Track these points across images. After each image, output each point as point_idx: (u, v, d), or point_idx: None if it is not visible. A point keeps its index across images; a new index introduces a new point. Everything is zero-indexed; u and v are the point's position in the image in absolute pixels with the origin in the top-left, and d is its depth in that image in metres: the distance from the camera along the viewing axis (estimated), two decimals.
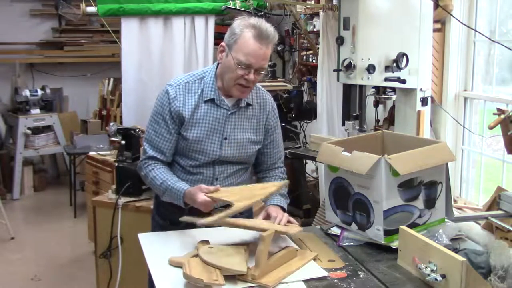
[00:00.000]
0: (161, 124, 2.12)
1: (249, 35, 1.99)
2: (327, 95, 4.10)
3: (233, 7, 4.32)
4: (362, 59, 2.72)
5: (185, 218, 1.93)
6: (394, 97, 2.98)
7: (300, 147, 4.30)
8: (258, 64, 2.01)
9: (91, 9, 4.54)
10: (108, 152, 4.48)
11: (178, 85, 2.13)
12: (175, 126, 2.12)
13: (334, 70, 2.92)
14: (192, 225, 2.15)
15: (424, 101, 2.95)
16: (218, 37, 4.11)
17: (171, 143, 2.13)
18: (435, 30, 3.17)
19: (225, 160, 2.15)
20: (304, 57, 5.22)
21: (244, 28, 2.00)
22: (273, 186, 2.01)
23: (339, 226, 2.09)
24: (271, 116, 2.24)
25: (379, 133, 2.33)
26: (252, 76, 2.02)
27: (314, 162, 4.29)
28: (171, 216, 2.18)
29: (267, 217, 2.06)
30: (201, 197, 1.93)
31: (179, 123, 2.12)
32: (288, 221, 2.03)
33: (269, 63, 4.95)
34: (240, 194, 1.91)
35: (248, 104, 2.17)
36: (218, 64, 2.14)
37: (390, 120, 3.58)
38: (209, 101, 2.11)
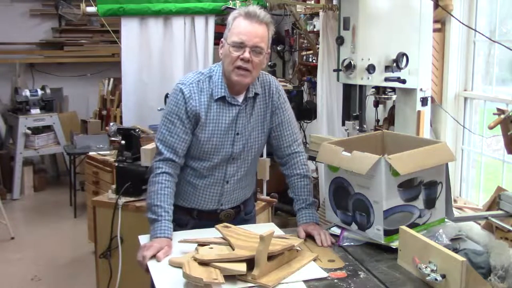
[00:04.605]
0: (177, 124, 2.07)
1: (239, 18, 2.03)
2: (327, 95, 4.10)
3: (233, 7, 4.32)
4: (362, 59, 2.73)
5: (183, 241, 1.92)
6: (394, 97, 2.98)
7: None
8: (251, 41, 1.99)
9: (91, 9, 4.54)
10: (108, 152, 4.47)
11: (191, 84, 2.09)
12: (190, 126, 2.08)
13: (334, 70, 2.92)
14: (196, 226, 2.16)
15: (424, 101, 2.95)
16: (218, 37, 4.11)
17: (186, 144, 2.09)
18: (435, 30, 3.17)
19: (236, 156, 2.13)
20: (304, 57, 5.23)
21: (235, 15, 2.05)
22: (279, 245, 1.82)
23: (339, 226, 2.09)
24: (276, 98, 2.19)
25: (379, 133, 2.33)
26: (247, 54, 1.99)
27: (314, 162, 4.29)
28: (177, 218, 2.16)
29: (308, 236, 2.04)
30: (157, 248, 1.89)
31: (195, 123, 2.08)
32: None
33: (269, 63, 5.01)
34: (245, 240, 1.84)
35: (256, 94, 2.14)
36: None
37: (390, 120, 3.58)
38: (219, 99, 2.08)
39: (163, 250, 1.88)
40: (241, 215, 2.28)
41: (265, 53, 2.05)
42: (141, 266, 1.88)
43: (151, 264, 1.83)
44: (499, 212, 2.16)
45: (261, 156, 3.60)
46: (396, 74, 2.78)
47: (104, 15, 4.40)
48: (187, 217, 2.20)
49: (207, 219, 2.17)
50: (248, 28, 2.00)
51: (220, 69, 2.11)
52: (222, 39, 2.10)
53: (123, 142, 3.25)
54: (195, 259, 1.71)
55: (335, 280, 1.70)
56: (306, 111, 4.65)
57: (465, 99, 3.39)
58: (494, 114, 2.35)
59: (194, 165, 2.14)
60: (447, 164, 2.04)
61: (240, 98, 2.11)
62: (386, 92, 2.94)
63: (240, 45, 2.00)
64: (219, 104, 2.09)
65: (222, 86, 2.08)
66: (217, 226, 1.95)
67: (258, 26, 2.02)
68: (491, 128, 2.38)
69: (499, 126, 2.32)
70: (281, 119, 2.21)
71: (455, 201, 3.26)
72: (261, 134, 2.18)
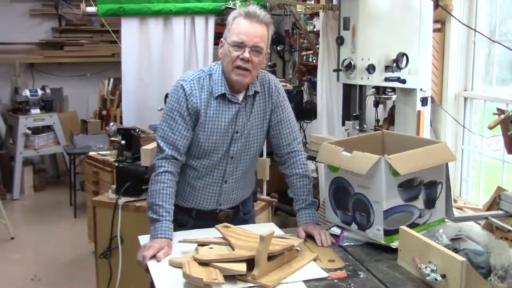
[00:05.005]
0: (178, 121, 2.06)
1: (239, 18, 2.03)
2: (327, 95, 4.10)
3: (233, 7, 4.33)
4: (362, 59, 2.72)
5: (182, 241, 1.91)
6: (394, 97, 2.98)
7: None
8: (251, 41, 1.99)
9: (91, 9, 4.54)
10: (108, 152, 4.47)
11: (192, 80, 2.08)
12: (191, 123, 2.07)
13: (334, 70, 2.92)
14: (195, 226, 2.16)
15: (424, 101, 2.95)
16: (218, 37, 4.11)
17: (188, 141, 2.08)
18: (435, 30, 3.17)
19: (235, 155, 2.13)
20: (304, 57, 5.23)
21: (235, 15, 2.05)
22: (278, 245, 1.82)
23: (339, 226, 2.09)
24: (275, 96, 2.18)
25: (379, 133, 2.33)
26: (247, 54, 1.99)
27: (314, 162, 4.29)
28: (176, 218, 2.16)
29: (308, 236, 2.04)
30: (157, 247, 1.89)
31: (195, 120, 2.07)
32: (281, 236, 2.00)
33: (269, 63, 5.00)
34: (245, 240, 1.84)
35: (256, 92, 2.13)
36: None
37: (390, 120, 3.58)
38: (220, 97, 2.07)
39: (163, 250, 1.88)
40: (240, 215, 2.28)
41: (264, 53, 2.05)
42: (141, 266, 1.88)
43: (151, 264, 1.83)
44: (499, 212, 2.16)
45: (261, 156, 3.61)
46: (396, 74, 2.78)
47: (104, 15, 4.40)
48: (186, 216, 2.19)
49: (206, 219, 2.17)
50: (248, 28, 2.00)
51: (220, 67, 2.11)
52: (221, 39, 2.10)
53: (123, 142, 3.25)
54: (195, 259, 1.71)
55: (335, 280, 1.70)
56: (306, 111, 4.65)
57: (465, 99, 3.39)
58: (494, 114, 2.35)
59: (193, 163, 2.13)
60: (447, 164, 2.04)
61: (240, 97, 2.11)
62: (386, 92, 2.94)
63: (240, 45, 2.00)
64: (219, 102, 2.08)
65: (222, 84, 2.08)
66: (217, 226, 1.95)
67: (258, 26, 2.02)
68: (491, 128, 2.38)
69: (499, 126, 2.32)
70: (281, 117, 2.20)
71: (455, 201, 3.26)
72: (261, 132, 2.18)
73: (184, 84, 2.07)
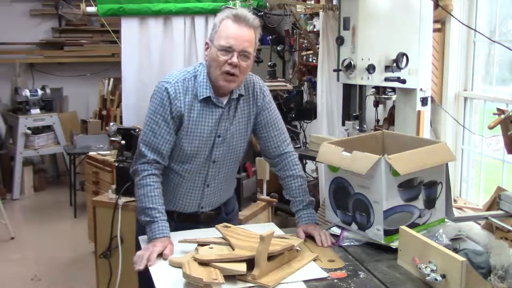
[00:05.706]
0: (161, 125, 2.02)
1: (227, 21, 1.99)
2: (327, 95, 4.10)
3: (233, 7, 4.32)
4: (362, 59, 2.72)
5: (182, 241, 1.91)
6: (394, 97, 2.98)
7: (300, 147, 4.31)
8: (240, 45, 1.95)
9: (91, 9, 4.54)
10: (108, 152, 4.48)
11: (176, 82, 2.04)
12: (174, 127, 2.04)
13: (334, 70, 2.92)
14: (177, 229, 2.12)
15: (424, 101, 2.95)
16: None
17: (171, 145, 2.05)
18: (435, 30, 3.17)
19: (217, 159, 2.11)
20: (304, 57, 5.23)
21: (222, 17, 2.01)
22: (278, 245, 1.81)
23: (339, 226, 2.09)
24: (261, 99, 2.15)
25: (379, 133, 2.33)
26: (236, 59, 1.95)
27: (314, 162, 4.30)
28: None
29: (308, 236, 2.03)
30: (162, 246, 1.88)
31: (179, 124, 2.04)
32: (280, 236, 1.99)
33: (269, 63, 5.01)
34: (245, 240, 1.84)
35: (240, 95, 2.10)
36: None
37: (390, 120, 3.58)
38: (204, 100, 2.04)
39: (169, 248, 1.88)
40: (222, 215, 2.26)
41: (252, 57, 2.02)
42: (138, 264, 1.83)
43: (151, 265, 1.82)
44: (499, 212, 2.17)
45: (261, 156, 3.61)
46: (396, 74, 2.78)
47: (104, 15, 4.40)
48: (168, 219, 2.10)
49: (187, 221, 2.17)
50: (237, 32, 1.96)
51: (205, 69, 2.07)
52: (207, 41, 2.06)
53: (123, 142, 3.25)
54: (195, 259, 1.71)
55: (335, 280, 1.70)
56: (306, 111, 4.65)
57: (465, 99, 3.39)
58: (494, 114, 2.36)
59: (176, 167, 2.11)
60: (447, 164, 2.04)
61: (224, 100, 2.07)
62: (386, 92, 2.94)
63: (228, 49, 1.96)
64: (203, 106, 2.04)
65: (207, 87, 2.04)
66: (217, 226, 1.95)
67: (247, 30, 1.98)
68: (491, 128, 2.38)
69: (499, 126, 2.32)
70: (267, 120, 2.17)
71: (455, 201, 3.26)
72: (244, 136, 2.16)
73: (169, 87, 2.02)
